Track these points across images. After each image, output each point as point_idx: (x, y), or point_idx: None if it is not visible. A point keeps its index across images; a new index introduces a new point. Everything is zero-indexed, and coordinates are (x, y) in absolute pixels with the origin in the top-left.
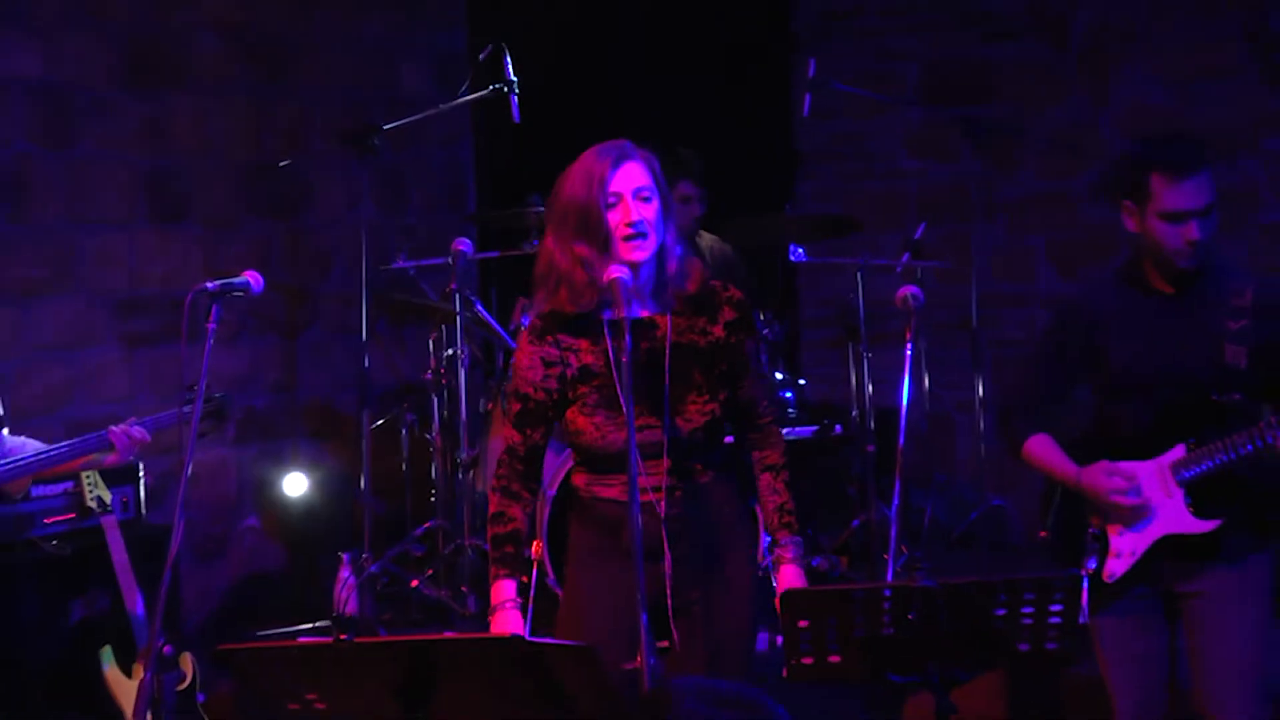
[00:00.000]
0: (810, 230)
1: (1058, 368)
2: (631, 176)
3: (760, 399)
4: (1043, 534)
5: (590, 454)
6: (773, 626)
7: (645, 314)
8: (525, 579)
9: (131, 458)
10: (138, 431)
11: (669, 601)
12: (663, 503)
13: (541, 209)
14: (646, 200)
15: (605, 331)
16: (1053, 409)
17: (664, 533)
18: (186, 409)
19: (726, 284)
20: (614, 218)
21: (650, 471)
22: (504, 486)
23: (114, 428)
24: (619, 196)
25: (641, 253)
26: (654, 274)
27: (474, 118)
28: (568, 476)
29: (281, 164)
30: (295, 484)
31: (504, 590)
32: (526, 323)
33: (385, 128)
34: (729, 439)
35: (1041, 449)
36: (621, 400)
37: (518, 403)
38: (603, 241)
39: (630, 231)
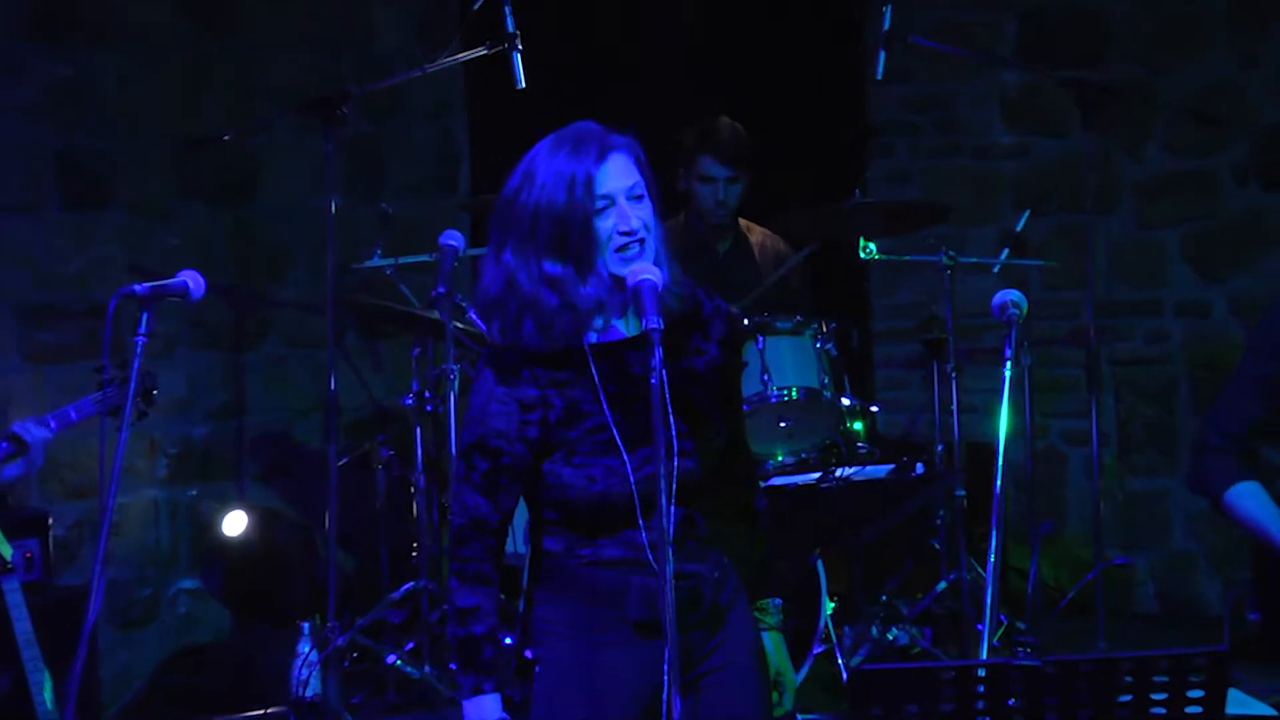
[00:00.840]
0: (883, 221)
1: (1265, 395)
2: (621, 172)
3: (744, 428)
4: (1253, 615)
5: (579, 510)
6: None
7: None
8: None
9: (38, 467)
10: (39, 428)
11: (666, 678)
12: (668, 561)
13: None
14: (639, 200)
15: (589, 358)
16: (1261, 447)
17: (670, 598)
18: (98, 396)
19: (710, 291)
20: (603, 226)
21: (653, 525)
22: (475, 571)
23: (17, 424)
24: (609, 199)
25: (640, 268)
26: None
27: (467, 82)
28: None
29: (226, 137)
30: (235, 523)
31: (489, 709)
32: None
33: (356, 93)
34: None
35: (1247, 500)
36: (616, 437)
37: (486, 460)
38: (588, 257)
39: (626, 241)
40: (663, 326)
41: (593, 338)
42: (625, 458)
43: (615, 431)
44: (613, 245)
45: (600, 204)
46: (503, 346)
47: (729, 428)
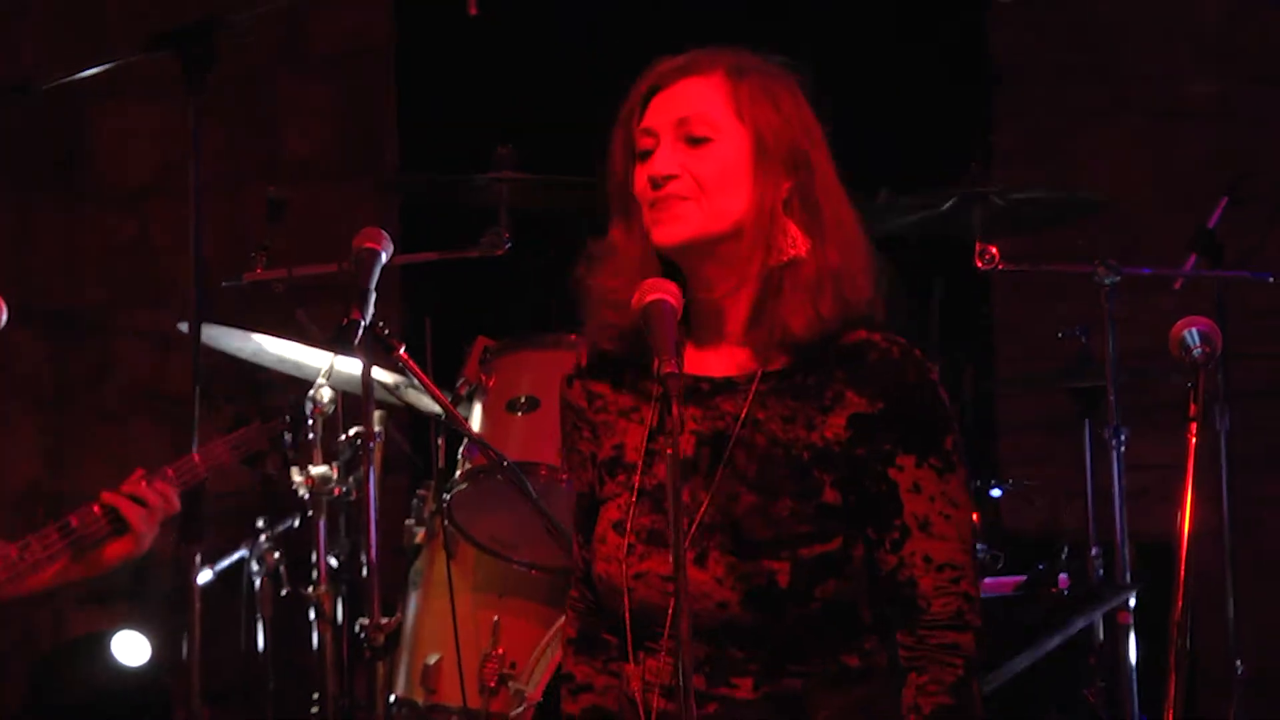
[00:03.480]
0: (1012, 213)
1: None
2: (678, 101)
3: (920, 576)
4: None
5: (600, 598)
6: None
7: (722, 371)
8: None
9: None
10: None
11: None
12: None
13: (521, 167)
14: (700, 141)
15: (655, 392)
16: None
17: None
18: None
19: (893, 340)
20: (641, 175)
21: (651, 657)
22: (577, 633)
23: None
24: (652, 135)
25: (669, 234)
26: (730, 287)
27: (396, 7)
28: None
29: (34, 89)
30: (129, 649)
31: None
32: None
33: (235, 23)
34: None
35: None
36: (632, 507)
37: (579, 485)
38: (632, 219)
39: (653, 196)
40: (681, 372)
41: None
42: (627, 541)
43: (634, 500)
44: (644, 200)
45: (643, 142)
46: (583, 346)
47: (889, 560)
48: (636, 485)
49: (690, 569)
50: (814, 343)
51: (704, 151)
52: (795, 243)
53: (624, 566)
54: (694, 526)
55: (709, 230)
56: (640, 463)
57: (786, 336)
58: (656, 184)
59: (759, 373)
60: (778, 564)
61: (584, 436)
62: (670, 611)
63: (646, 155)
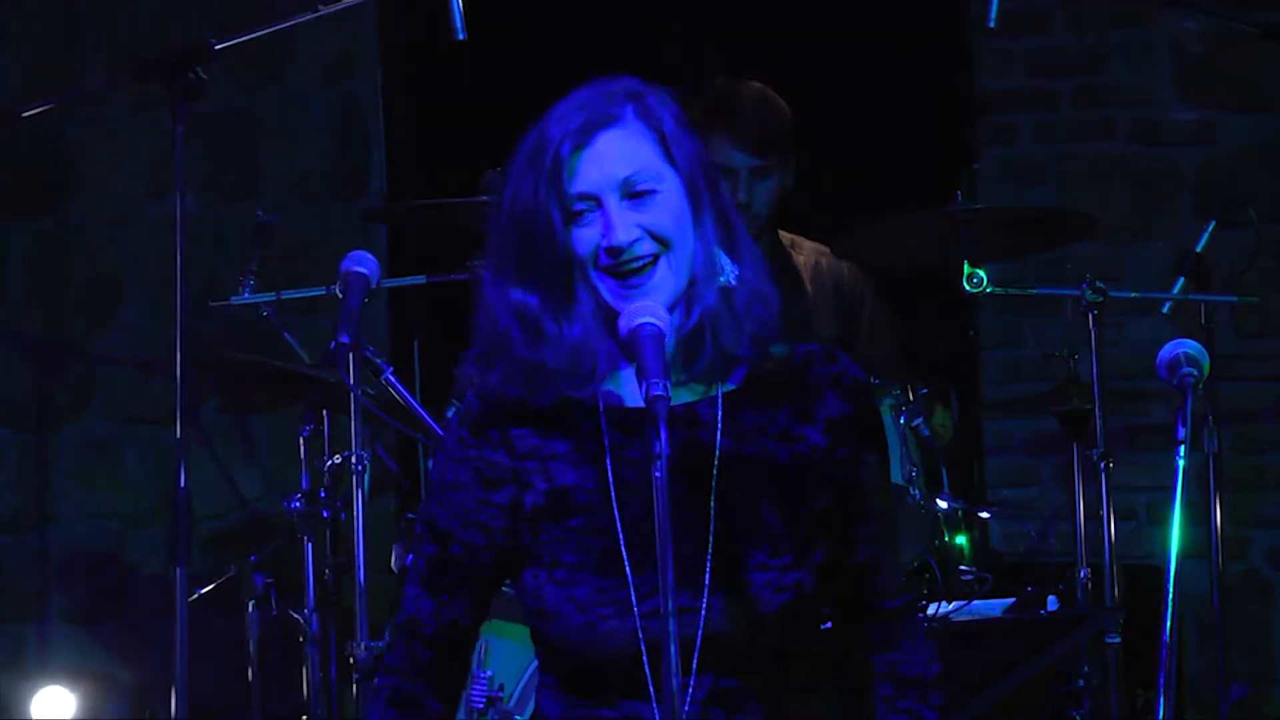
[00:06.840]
0: (999, 237)
1: None
2: (610, 158)
3: (885, 566)
4: None
5: (563, 654)
6: None
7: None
8: None
9: None
10: None
11: None
12: None
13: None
14: (643, 199)
15: (602, 424)
16: None
17: None
18: None
19: (830, 346)
20: (585, 238)
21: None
22: (394, 691)
23: None
24: (590, 199)
25: (639, 306)
26: (678, 322)
27: (382, 32)
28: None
29: (25, 113)
30: (53, 704)
31: None
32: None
33: (219, 47)
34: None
35: None
36: (621, 545)
37: (433, 545)
38: (559, 283)
39: (612, 263)
40: (669, 395)
41: (611, 395)
42: (630, 579)
43: (622, 537)
44: (598, 268)
45: (579, 206)
46: (479, 392)
47: (854, 555)
48: (617, 522)
49: (714, 600)
50: (755, 360)
51: (653, 204)
52: (724, 268)
53: (634, 598)
54: (710, 551)
55: (678, 285)
56: (611, 496)
57: (733, 361)
58: (614, 251)
59: (718, 396)
60: (796, 574)
61: (496, 483)
62: (698, 639)
63: (579, 216)
